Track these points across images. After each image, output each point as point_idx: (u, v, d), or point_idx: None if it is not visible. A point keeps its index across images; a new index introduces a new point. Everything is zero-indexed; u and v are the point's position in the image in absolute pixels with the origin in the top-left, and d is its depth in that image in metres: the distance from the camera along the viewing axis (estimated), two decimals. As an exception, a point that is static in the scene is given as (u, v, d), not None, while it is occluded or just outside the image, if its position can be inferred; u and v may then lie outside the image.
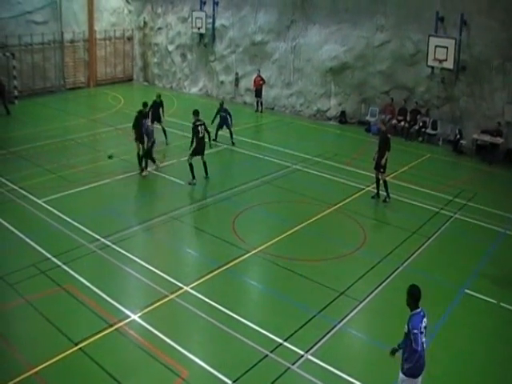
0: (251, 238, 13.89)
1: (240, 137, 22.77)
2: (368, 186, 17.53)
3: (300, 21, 27.03)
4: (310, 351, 9.58)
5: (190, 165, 17.34)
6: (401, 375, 7.63)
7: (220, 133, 21.82)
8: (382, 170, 16.22)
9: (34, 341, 9.89)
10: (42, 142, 21.31)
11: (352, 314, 10.84)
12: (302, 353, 9.52)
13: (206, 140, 17.68)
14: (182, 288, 11.40)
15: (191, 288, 11.41)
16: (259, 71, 27.67)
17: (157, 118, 21.09)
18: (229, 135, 21.87)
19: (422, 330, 7.39)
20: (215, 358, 9.42)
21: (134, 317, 10.43)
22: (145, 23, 34.59)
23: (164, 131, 21.47)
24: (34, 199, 15.78)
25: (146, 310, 10.64)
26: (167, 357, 9.33)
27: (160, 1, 33.36)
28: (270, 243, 13.56)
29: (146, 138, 17.91)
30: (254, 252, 13.12)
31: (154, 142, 18.07)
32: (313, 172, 18.94)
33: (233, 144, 21.79)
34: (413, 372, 7.50)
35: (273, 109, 28.45)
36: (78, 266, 12.20)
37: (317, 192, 17.14)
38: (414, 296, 7.49)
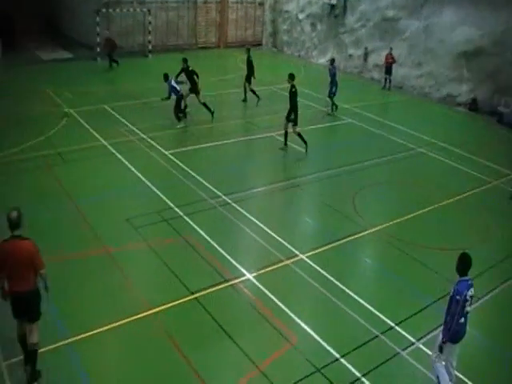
0: (370, 216, 13.61)
1: (365, 112, 22.39)
2: (496, 180, 16.60)
3: (435, -1, 25.79)
4: (422, 340, 9.26)
5: (299, 134, 17.10)
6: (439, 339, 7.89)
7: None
8: None
9: (154, 284, 10.38)
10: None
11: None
12: (413, 340, 9.25)
13: None
14: (297, 255, 11.42)
15: (307, 257, 11.40)
16: (391, 49, 26.71)
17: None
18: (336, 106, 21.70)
19: (468, 298, 7.58)
20: (325, 330, 9.38)
21: (249, 276, 10.61)
22: (278, -11, 34.56)
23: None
24: (162, 150, 16.40)
25: (261, 272, 10.77)
26: (278, 320, 9.42)
27: (294, -32, 33.12)
28: (389, 224, 13.20)
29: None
30: (372, 230, 12.84)
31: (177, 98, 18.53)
32: (438, 157, 18.15)
33: (328, 114, 21.55)
34: (449, 336, 7.69)
35: (401, 88, 27.54)
36: (199, 218, 12.58)
37: (441, 178, 16.46)
38: (464, 262, 7.69)
